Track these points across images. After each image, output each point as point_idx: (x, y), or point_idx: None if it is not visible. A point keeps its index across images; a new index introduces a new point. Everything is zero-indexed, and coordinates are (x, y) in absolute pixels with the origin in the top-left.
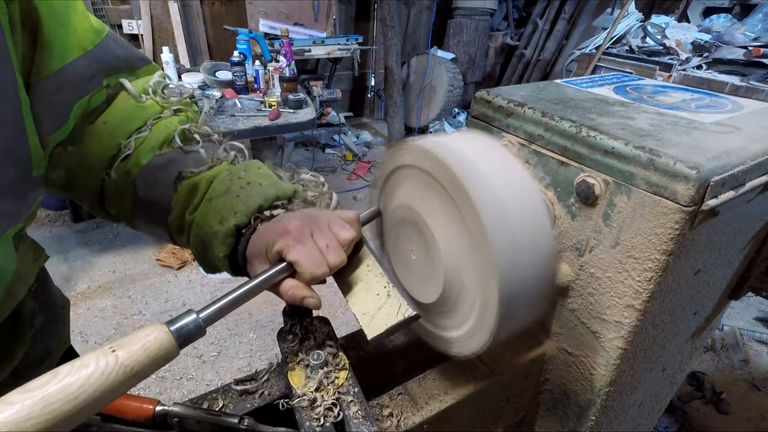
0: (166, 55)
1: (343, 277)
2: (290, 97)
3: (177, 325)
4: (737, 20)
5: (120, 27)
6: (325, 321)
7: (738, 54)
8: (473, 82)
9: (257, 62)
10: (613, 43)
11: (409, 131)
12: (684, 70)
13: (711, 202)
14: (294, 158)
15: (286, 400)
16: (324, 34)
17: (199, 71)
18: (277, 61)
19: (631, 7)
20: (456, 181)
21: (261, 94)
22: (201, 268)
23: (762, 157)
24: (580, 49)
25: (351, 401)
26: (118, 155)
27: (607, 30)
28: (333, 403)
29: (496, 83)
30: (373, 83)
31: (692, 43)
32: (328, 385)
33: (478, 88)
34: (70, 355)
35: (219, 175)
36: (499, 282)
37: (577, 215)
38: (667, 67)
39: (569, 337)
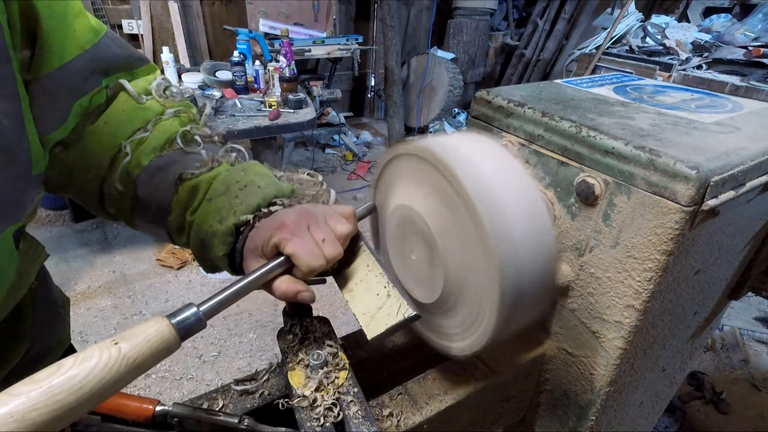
0: (166, 55)
1: (343, 277)
2: (290, 97)
3: (178, 318)
4: (737, 20)
5: (120, 27)
6: (325, 321)
7: (738, 54)
8: (473, 82)
9: (257, 62)
10: (613, 43)
11: (409, 131)
12: (684, 70)
13: (711, 202)
14: (294, 158)
15: (286, 400)
16: (324, 34)
17: (199, 71)
18: (277, 61)
19: (631, 7)
20: (456, 180)
21: (261, 94)
22: (201, 268)
23: (762, 157)
24: (580, 49)
25: (351, 401)
26: (119, 155)
27: (607, 30)
28: (333, 403)
29: (496, 83)
30: (373, 83)
31: (692, 43)
32: (328, 385)
33: (478, 88)
34: (71, 354)
35: (219, 175)
36: (499, 282)
37: (577, 215)
38: (667, 67)
39: (569, 337)
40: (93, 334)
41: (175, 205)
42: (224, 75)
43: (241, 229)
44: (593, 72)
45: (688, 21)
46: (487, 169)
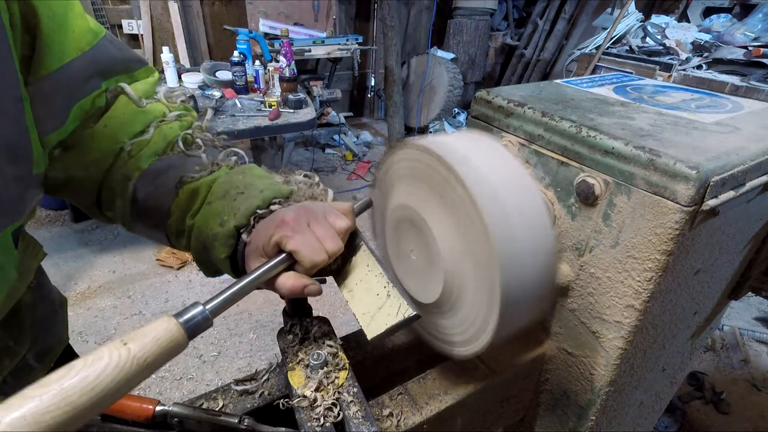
0: (166, 55)
1: (343, 277)
2: (290, 97)
3: (185, 317)
4: (737, 20)
5: (120, 27)
6: (325, 321)
7: (738, 54)
8: (473, 82)
9: (257, 62)
10: (613, 43)
11: (409, 131)
12: (684, 70)
13: (711, 202)
14: (294, 158)
15: (286, 400)
16: (324, 34)
17: (199, 71)
18: (277, 61)
19: (631, 7)
20: (456, 181)
21: (261, 94)
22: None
23: (762, 157)
24: (580, 49)
25: (351, 401)
26: (118, 158)
27: (607, 30)
28: (333, 403)
29: (496, 83)
30: (373, 83)
31: (692, 43)
32: (328, 385)
33: (478, 88)
34: (69, 353)
35: (218, 179)
36: (499, 282)
37: (577, 215)
38: (667, 67)
39: (569, 337)
40: (93, 334)
41: (175, 208)
42: (224, 75)
43: (241, 231)
44: (593, 72)
45: (688, 21)
46: (487, 169)
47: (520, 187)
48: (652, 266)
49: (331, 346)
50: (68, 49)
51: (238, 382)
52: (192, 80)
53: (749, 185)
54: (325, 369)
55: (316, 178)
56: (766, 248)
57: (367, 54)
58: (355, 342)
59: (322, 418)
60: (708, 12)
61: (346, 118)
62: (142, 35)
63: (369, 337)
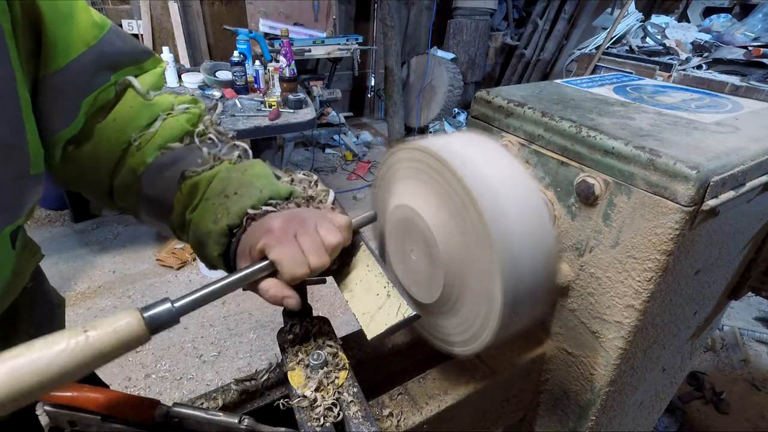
0: (166, 55)
1: (343, 277)
2: (290, 97)
3: (150, 312)
4: (737, 20)
5: (120, 27)
6: (325, 321)
7: (738, 54)
8: (473, 82)
9: (257, 62)
10: (613, 43)
11: (409, 131)
12: (684, 70)
13: (711, 202)
14: (294, 158)
15: (286, 400)
16: (324, 34)
17: (199, 71)
18: (277, 61)
19: (631, 7)
20: (456, 181)
21: (261, 94)
22: (201, 268)
23: (762, 157)
24: (580, 49)
25: (351, 401)
26: (127, 151)
27: (607, 30)
28: (333, 403)
29: (496, 83)
30: (373, 83)
31: (692, 43)
32: (328, 385)
33: (478, 88)
34: None
35: (218, 174)
36: (499, 282)
37: (577, 215)
38: (667, 67)
39: (569, 337)
40: None
41: (177, 203)
42: (224, 75)
43: (234, 230)
44: (593, 72)
45: (688, 21)
46: (487, 170)
47: (520, 187)
48: (652, 266)
49: (331, 346)
50: (75, 44)
51: (238, 382)
52: (192, 80)
53: (749, 185)
54: (325, 369)
55: (314, 177)
56: (766, 248)
57: (367, 54)
58: (355, 342)
59: (322, 418)
60: (708, 12)
61: (346, 118)
62: (142, 35)
63: (369, 337)
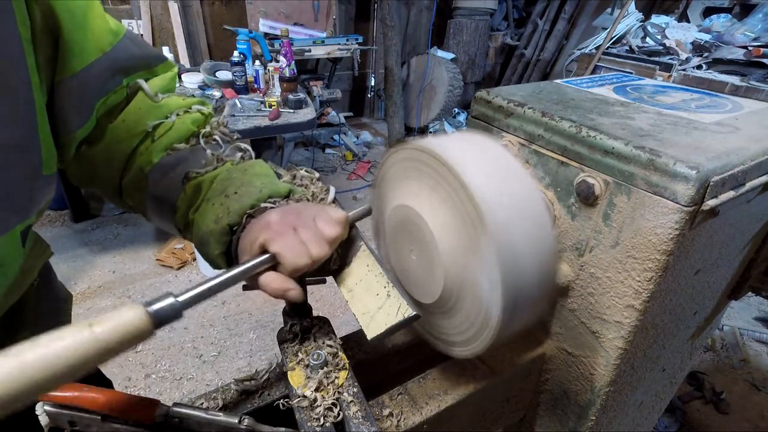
0: (166, 55)
1: (343, 277)
2: (290, 97)
3: (154, 307)
4: (737, 20)
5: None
6: (325, 321)
7: (738, 54)
8: (473, 82)
9: (257, 62)
10: (613, 43)
11: (409, 131)
12: (684, 70)
13: (711, 202)
14: (294, 158)
15: (286, 400)
16: (324, 34)
17: (199, 71)
18: (277, 61)
19: (631, 7)
20: (456, 181)
21: (261, 94)
22: (201, 267)
23: (762, 157)
24: (580, 49)
25: (351, 401)
26: (136, 151)
27: (607, 30)
28: (333, 403)
29: (496, 83)
30: (373, 83)
31: (692, 43)
32: (328, 385)
33: (478, 88)
34: None
35: (220, 174)
36: (499, 282)
37: (577, 215)
38: (667, 67)
39: (569, 337)
40: None
41: (181, 203)
42: (224, 75)
43: (235, 229)
44: (593, 72)
45: (688, 21)
46: (487, 170)
47: (520, 187)
48: (652, 266)
49: (331, 346)
50: (90, 50)
51: (238, 382)
52: (192, 80)
53: (749, 185)
54: (325, 369)
55: (316, 174)
56: (766, 248)
57: (367, 54)
58: (355, 342)
59: (322, 418)
60: (708, 12)
61: (346, 118)
62: (142, 35)
63: (369, 337)
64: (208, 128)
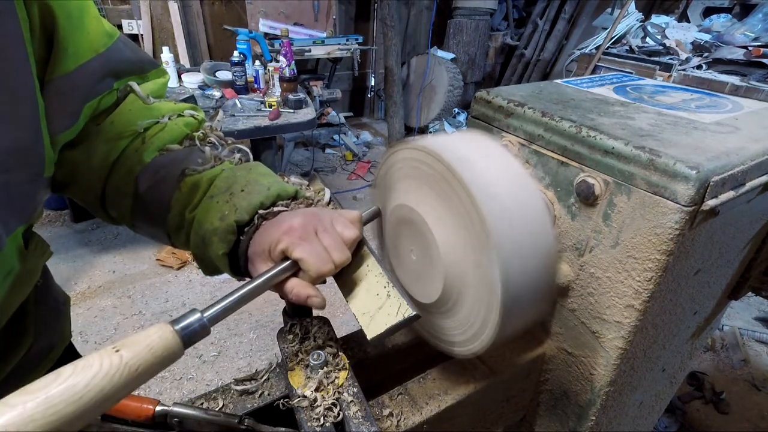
0: (166, 55)
1: (343, 277)
2: (290, 97)
3: (182, 325)
4: (737, 20)
5: (120, 27)
6: (325, 321)
7: (738, 54)
8: (473, 82)
9: (257, 62)
10: (613, 43)
11: (409, 131)
12: (684, 70)
13: (711, 202)
14: (294, 158)
15: (286, 400)
16: (324, 34)
17: (199, 71)
18: (277, 61)
19: (631, 7)
20: (456, 180)
21: (261, 94)
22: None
23: (762, 157)
24: (580, 49)
25: (351, 401)
26: (123, 154)
27: (607, 30)
28: (333, 403)
29: (496, 83)
30: (373, 83)
31: (692, 43)
32: (328, 385)
33: (478, 88)
34: (71, 350)
35: (222, 173)
36: (499, 282)
37: (577, 215)
38: (667, 67)
39: (569, 337)
40: (93, 334)
41: (176, 202)
42: (224, 75)
43: (245, 229)
44: (593, 72)
45: (688, 21)
46: (487, 170)
47: (520, 187)
48: (652, 266)
49: (331, 346)
50: (84, 51)
51: (238, 382)
52: (192, 80)
53: (749, 185)
54: (325, 369)
55: (306, 182)
56: (766, 248)
57: (367, 54)
58: (355, 342)
59: (322, 418)
60: (708, 12)
61: (346, 118)
62: (142, 35)
63: (369, 337)
64: (201, 132)
